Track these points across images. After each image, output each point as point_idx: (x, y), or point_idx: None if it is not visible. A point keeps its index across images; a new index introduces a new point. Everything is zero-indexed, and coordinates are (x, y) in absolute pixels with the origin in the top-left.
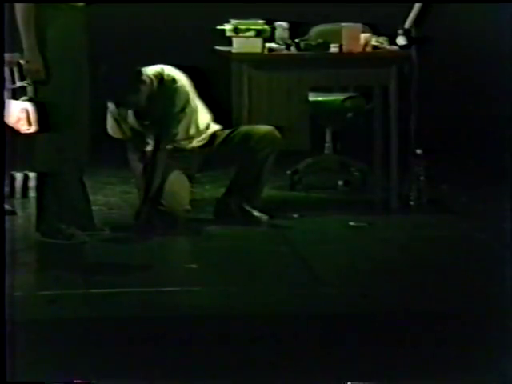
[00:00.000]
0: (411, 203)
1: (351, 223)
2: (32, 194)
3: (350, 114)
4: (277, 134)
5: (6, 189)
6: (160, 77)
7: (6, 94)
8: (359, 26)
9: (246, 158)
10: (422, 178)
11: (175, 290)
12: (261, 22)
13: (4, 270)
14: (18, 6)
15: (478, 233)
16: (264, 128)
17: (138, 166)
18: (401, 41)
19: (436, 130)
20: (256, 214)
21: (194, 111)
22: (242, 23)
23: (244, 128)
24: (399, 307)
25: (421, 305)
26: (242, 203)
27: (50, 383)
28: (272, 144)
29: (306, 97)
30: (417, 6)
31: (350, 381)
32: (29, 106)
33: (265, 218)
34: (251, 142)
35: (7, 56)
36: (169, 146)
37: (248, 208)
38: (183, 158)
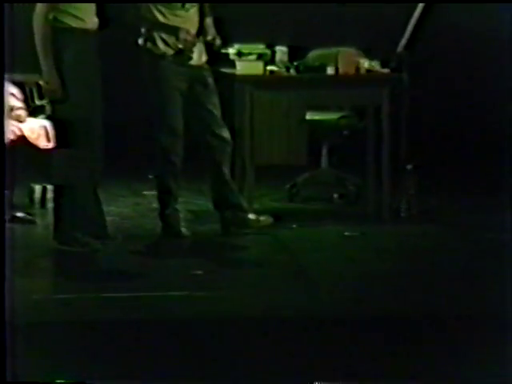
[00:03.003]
0: (402, 215)
1: (346, 233)
2: (50, 204)
3: (345, 132)
4: None
5: (26, 199)
6: None
7: (27, 112)
8: (354, 50)
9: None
10: (411, 191)
11: (181, 294)
12: (262, 46)
13: (4, 270)
14: (37, 30)
15: (463, 242)
16: None
17: None
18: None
19: (425, 147)
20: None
21: None
22: (245, 47)
23: None
24: (391, 311)
25: (411, 308)
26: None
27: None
28: None
29: (304, 115)
30: (408, 32)
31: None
32: (47, 123)
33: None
34: None
35: (27, 77)
36: None
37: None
38: None
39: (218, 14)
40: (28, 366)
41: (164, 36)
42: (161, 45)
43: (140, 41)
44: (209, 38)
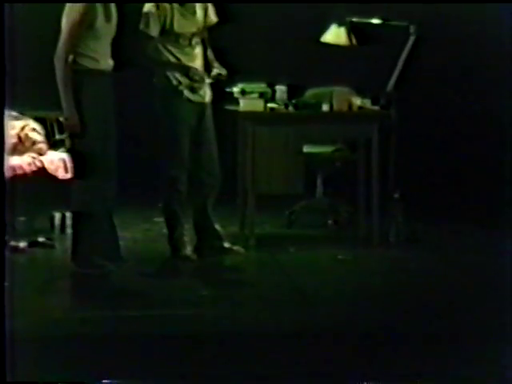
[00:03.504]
0: (390, 240)
1: (339, 256)
2: (68, 230)
3: (338, 163)
4: None
5: (46, 225)
6: None
7: (48, 145)
8: (347, 89)
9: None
10: (399, 218)
11: (188, 312)
12: (263, 85)
13: (4, 271)
14: (58, 72)
15: (446, 265)
16: None
17: None
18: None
19: (411, 177)
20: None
21: None
22: (248, 86)
23: None
24: (379, 327)
25: (398, 324)
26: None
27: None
28: None
29: (301, 148)
30: (395, 73)
31: None
32: (66, 156)
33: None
34: None
35: (49, 113)
36: None
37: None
38: None
39: (223, 56)
40: (28, 366)
41: (176, 74)
42: (173, 83)
43: (155, 79)
44: (215, 70)
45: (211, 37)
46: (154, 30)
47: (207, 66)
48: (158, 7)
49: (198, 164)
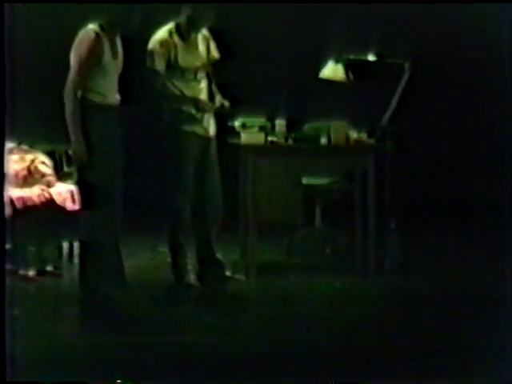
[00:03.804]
0: (386, 268)
1: (337, 284)
2: (76, 259)
3: (336, 194)
4: None
5: (55, 255)
6: None
7: (56, 177)
8: (344, 123)
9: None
10: (394, 247)
11: (191, 339)
12: (263, 119)
13: (4, 270)
14: (67, 106)
15: (439, 292)
16: None
17: None
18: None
19: (406, 208)
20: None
21: None
22: (248, 120)
23: None
24: (375, 350)
25: (393, 348)
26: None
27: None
28: None
29: (300, 180)
30: (390, 108)
31: None
32: (74, 188)
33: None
34: None
35: (57, 147)
36: None
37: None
38: None
39: (225, 90)
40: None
41: (182, 107)
42: (179, 116)
43: (161, 113)
44: (218, 103)
45: (214, 72)
46: (160, 66)
47: (212, 99)
48: (161, 44)
49: (202, 196)
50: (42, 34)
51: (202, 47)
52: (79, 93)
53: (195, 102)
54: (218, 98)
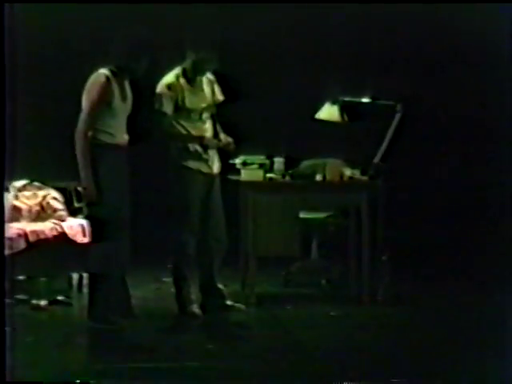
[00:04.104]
0: (378, 298)
1: (332, 313)
2: (85, 289)
3: (331, 228)
4: None
5: (65, 285)
6: None
7: (67, 212)
8: (339, 161)
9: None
10: (386, 278)
11: (194, 365)
12: (262, 157)
13: (4, 272)
14: (78, 146)
15: (430, 321)
16: None
17: None
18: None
19: (398, 241)
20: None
21: None
22: (249, 158)
23: None
24: (367, 376)
25: (385, 374)
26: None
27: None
28: None
29: (298, 214)
30: (382, 147)
31: None
32: (84, 222)
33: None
34: None
35: (68, 184)
36: None
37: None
38: None
39: (227, 130)
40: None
41: (188, 146)
42: (185, 155)
43: (168, 152)
44: (222, 141)
45: (219, 112)
46: (168, 108)
47: (216, 138)
48: (169, 88)
49: (206, 230)
50: (63, 113)
51: (207, 90)
52: (90, 133)
53: (201, 140)
54: (223, 137)
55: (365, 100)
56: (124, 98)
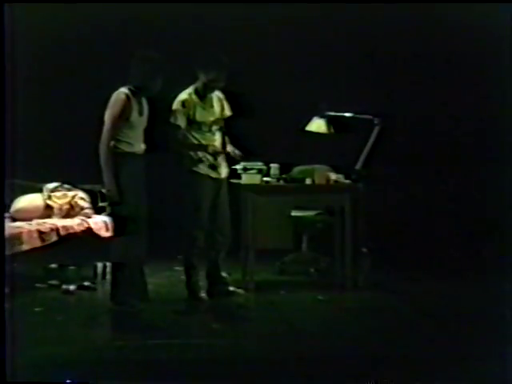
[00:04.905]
0: (360, 285)
1: (319, 297)
2: (108, 276)
3: (319, 225)
4: None
5: (91, 273)
6: None
7: (93, 210)
8: (325, 167)
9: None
10: (366, 267)
11: (202, 342)
12: (260, 163)
13: (4, 270)
14: (102, 154)
15: (405, 305)
16: None
17: None
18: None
19: (376, 235)
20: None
21: None
22: (248, 164)
23: None
24: (350, 352)
25: (368, 351)
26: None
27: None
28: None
29: (290, 213)
30: (363, 155)
31: None
32: (108, 219)
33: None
34: None
35: (94, 186)
36: None
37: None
38: None
39: (234, 141)
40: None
41: (200, 155)
42: (197, 162)
43: (183, 160)
44: (229, 151)
45: (226, 126)
46: (182, 122)
47: (224, 148)
48: (183, 105)
49: (213, 226)
50: (91, 128)
51: (216, 106)
52: (112, 143)
53: (210, 149)
54: (230, 148)
55: (348, 114)
56: (141, 112)
